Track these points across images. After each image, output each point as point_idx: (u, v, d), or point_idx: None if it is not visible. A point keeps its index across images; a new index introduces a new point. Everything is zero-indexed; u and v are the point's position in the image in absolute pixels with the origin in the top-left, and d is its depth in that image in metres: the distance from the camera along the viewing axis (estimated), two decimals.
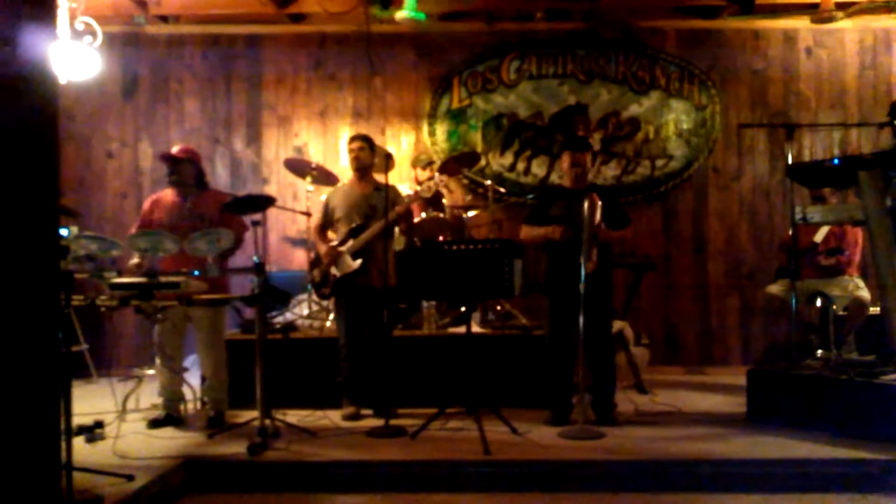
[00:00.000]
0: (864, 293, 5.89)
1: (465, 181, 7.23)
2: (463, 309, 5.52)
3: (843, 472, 4.01)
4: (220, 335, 5.16)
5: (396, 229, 5.47)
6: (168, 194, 5.20)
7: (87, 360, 6.65)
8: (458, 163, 6.55)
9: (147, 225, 5.08)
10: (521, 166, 7.30)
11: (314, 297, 6.19)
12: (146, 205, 5.28)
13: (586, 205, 4.71)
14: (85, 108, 7.32)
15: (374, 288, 5.18)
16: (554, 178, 7.21)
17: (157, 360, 5.18)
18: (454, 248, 4.76)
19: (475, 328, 5.59)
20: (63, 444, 3.18)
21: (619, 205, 5.19)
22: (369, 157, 5.40)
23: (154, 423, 4.96)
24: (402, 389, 5.20)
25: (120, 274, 4.60)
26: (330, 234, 5.48)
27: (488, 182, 6.72)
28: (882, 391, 4.40)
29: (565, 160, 5.15)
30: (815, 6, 6.47)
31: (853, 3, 6.84)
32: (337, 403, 5.28)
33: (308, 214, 6.43)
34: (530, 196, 7.11)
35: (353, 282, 5.23)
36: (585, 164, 5.09)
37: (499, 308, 6.10)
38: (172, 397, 5.12)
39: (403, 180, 6.96)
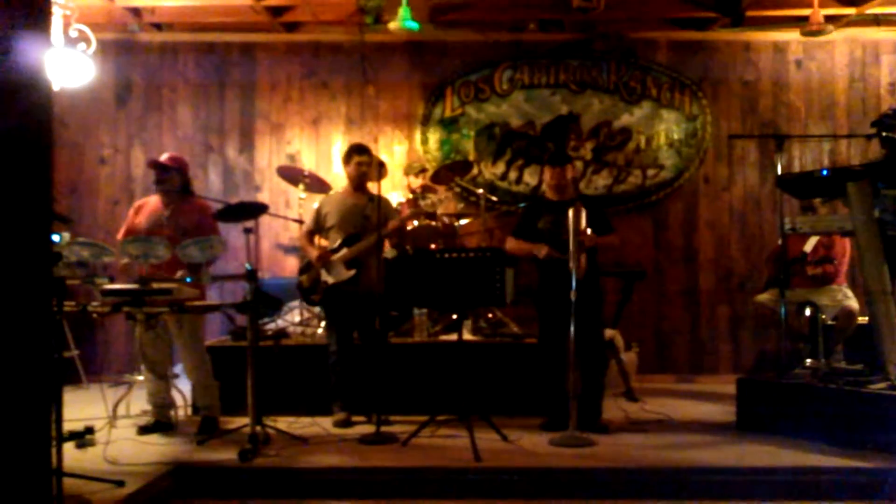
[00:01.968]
0: (853, 303, 5.93)
1: (458, 189, 7.25)
2: (454, 317, 5.53)
3: (832, 481, 4.04)
4: (199, 341, 5.15)
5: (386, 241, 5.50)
6: (152, 200, 5.23)
7: (78, 366, 6.63)
8: (450, 171, 6.58)
9: (131, 230, 5.11)
10: (513, 175, 7.33)
11: (306, 304, 6.20)
12: (131, 210, 5.32)
13: (571, 213, 4.75)
14: (78, 115, 7.31)
15: (364, 296, 5.19)
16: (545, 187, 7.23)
17: (143, 367, 5.18)
18: (446, 256, 4.79)
19: (467, 336, 5.59)
20: (53, 450, 3.18)
21: (603, 215, 5.22)
22: (371, 172, 5.43)
23: (143, 430, 4.95)
24: (393, 396, 5.20)
25: (112, 280, 4.60)
26: (317, 241, 5.49)
27: (480, 191, 6.75)
28: (870, 400, 4.43)
29: (547, 174, 5.22)
30: (805, 19, 6.53)
31: (843, 17, 6.91)
32: (328, 410, 5.28)
33: (300, 222, 6.44)
34: (522, 205, 7.13)
35: (344, 290, 5.24)
36: (566, 176, 5.14)
37: (490, 316, 6.11)
38: (161, 404, 5.12)
39: (396, 188, 6.97)
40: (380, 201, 5.20)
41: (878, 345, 4.68)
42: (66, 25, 5.76)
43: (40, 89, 2.96)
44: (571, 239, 4.75)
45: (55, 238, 4.84)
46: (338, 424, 5.15)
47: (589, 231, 4.83)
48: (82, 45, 5.84)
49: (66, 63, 5.76)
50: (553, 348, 4.96)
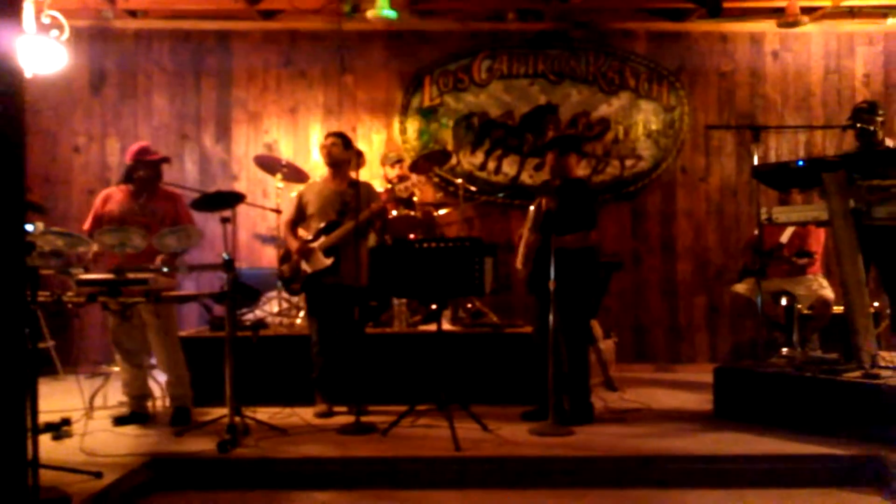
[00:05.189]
0: (828, 292, 5.99)
1: (436, 179, 7.24)
2: (434, 307, 5.53)
3: (807, 468, 4.08)
4: (171, 330, 5.10)
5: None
6: (118, 191, 5.15)
7: (54, 356, 6.57)
8: (428, 161, 6.57)
9: (98, 219, 5.04)
10: (491, 165, 7.33)
11: (284, 294, 6.17)
12: (98, 200, 5.20)
13: (531, 208, 4.75)
14: (51, 103, 7.21)
15: (345, 286, 5.16)
16: (524, 177, 7.25)
17: (118, 357, 5.13)
18: (425, 245, 4.78)
19: (446, 326, 5.60)
20: (29, 442, 3.14)
21: (581, 207, 5.00)
22: (342, 153, 5.35)
23: (119, 421, 4.91)
24: (372, 387, 5.19)
25: (87, 270, 4.55)
26: (300, 231, 5.46)
27: (459, 180, 6.74)
28: (844, 388, 4.49)
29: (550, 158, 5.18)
30: (781, 10, 6.57)
31: (818, 8, 6.97)
32: (307, 401, 5.26)
33: (278, 212, 6.41)
34: (500, 194, 7.15)
35: (323, 279, 5.21)
36: (562, 162, 5.11)
37: (469, 306, 6.12)
38: (137, 394, 5.08)
39: (373, 178, 6.95)
40: (359, 187, 5.13)
41: (852, 334, 4.73)
42: (39, 12, 5.67)
43: (12, 76, 2.90)
44: (524, 231, 4.74)
45: (28, 227, 4.77)
46: (319, 415, 5.13)
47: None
48: (55, 32, 5.75)
49: (38, 50, 5.67)
50: (539, 338, 4.97)
